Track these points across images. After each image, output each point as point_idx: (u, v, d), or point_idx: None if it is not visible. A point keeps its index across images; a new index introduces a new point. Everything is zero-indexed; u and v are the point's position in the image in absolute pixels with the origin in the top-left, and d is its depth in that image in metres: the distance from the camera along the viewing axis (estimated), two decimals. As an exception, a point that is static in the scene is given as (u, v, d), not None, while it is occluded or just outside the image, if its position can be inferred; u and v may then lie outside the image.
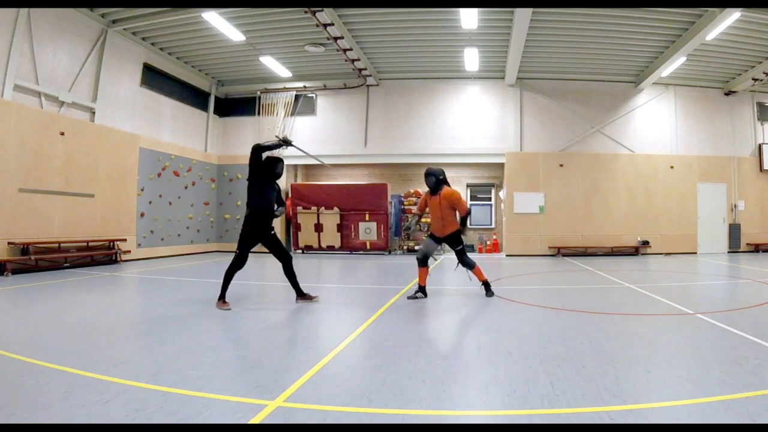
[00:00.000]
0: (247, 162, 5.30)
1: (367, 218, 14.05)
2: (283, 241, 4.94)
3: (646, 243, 13.40)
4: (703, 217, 13.70)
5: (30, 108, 8.83)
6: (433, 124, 14.25)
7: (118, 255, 10.52)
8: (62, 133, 9.31)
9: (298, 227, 14.37)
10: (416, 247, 14.49)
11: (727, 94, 14.01)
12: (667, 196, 13.64)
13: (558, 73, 13.56)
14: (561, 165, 13.68)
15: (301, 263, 5.70)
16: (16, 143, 8.45)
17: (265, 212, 5.36)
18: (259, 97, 14.83)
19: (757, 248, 13.60)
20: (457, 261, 6.06)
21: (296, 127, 14.60)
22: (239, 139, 14.99)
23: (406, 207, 14.75)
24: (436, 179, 5.88)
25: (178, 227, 12.90)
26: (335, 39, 10.91)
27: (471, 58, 12.44)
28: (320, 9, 9.52)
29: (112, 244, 10.46)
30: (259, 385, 2.79)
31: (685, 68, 12.73)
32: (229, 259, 5.52)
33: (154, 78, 12.28)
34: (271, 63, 12.96)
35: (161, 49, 12.23)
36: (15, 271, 8.16)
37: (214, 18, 10.09)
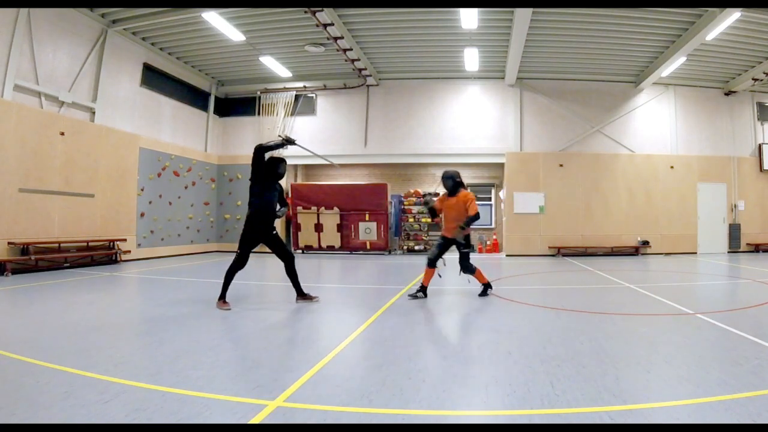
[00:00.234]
0: (248, 162, 5.30)
1: (367, 218, 14.05)
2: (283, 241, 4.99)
3: (646, 243, 13.40)
4: (703, 217, 13.70)
5: (30, 108, 8.83)
6: (433, 124, 14.25)
7: (118, 255, 10.52)
8: (62, 133, 9.31)
9: (298, 227, 14.37)
10: (416, 247, 14.51)
11: (727, 94, 14.01)
12: (667, 196, 13.63)
13: (558, 73, 13.56)
14: (561, 165, 13.68)
15: (301, 263, 5.70)
16: (16, 143, 8.45)
17: (267, 212, 5.34)
18: (259, 97, 14.83)
19: (757, 248, 13.60)
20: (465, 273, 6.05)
21: (296, 127, 14.60)
22: (239, 139, 15.00)
23: (406, 207, 14.75)
24: (453, 182, 5.96)
25: (178, 227, 12.90)
26: (335, 39, 10.91)
27: (471, 58, 12.43)
28: (320, 9, 9.52)
29: (112, 244, 10.46)
30: (259, 385, 2.79)
31: (685, 68, 12.73)
32: (229, 259, 5.52)
33: (154, 78, 12.28)
34: (271, 63, 12.96)
35: (161, 49, 12.24)
36: (15, 271, 8.16)
37: (214, 18, 10.09)
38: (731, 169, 13.84)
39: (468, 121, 14.12)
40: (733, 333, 4.03)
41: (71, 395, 2.58)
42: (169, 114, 13.04)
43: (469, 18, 9.94)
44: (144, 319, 4.88)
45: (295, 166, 15.59)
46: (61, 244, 9.25)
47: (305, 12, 9.76)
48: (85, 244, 9.78)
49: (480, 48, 11.90)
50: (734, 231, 13.72)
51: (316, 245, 14.33)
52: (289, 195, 14.38)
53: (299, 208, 14.23)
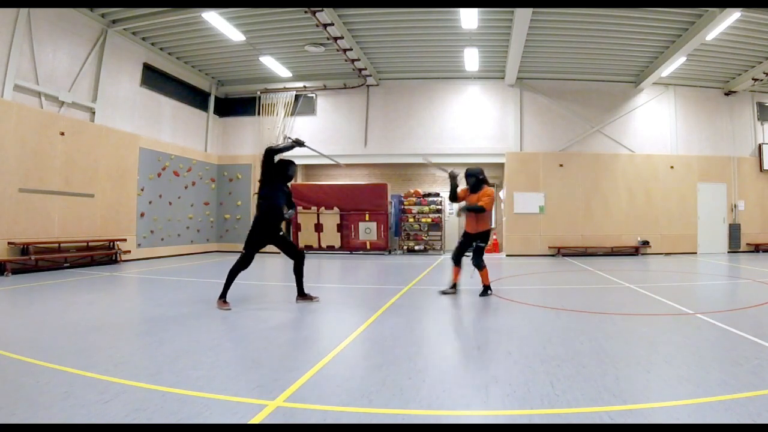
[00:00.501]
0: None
1: (367, 218, 14.05)
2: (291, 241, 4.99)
3: (646, 243, 13.40)
4: (703, 217, 13.70)
5: (30, 108, 8.83)
6: (433, 124, 14.25)
7: (118, 255, 10.52)
8: (62, 133, 9.31)
9: (298, 227, 14.37)
10: (416, 247, 14.51)
11: (727, 94, 14.01)
12: (667, 196, 13.64)
13: (558, 73, 13.56)
14: (561, 165, 13.68)
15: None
16: (16, 143, 8.45)
17: (275, 214, 5.38)
18: (259, 97, 14.82)
19: (757, 248, 13.60)
20: (473, 266, 6.17)
21: (296, 127, 14.59)
22: (239, 139, 14.99)
23: (406, 207, 14.75)
24: (476, 179, 6.10)
25: (178, 227, 12.90)
26: (335, 39, 10.91)
27: (471, 58, 12.43)
28: (320, 9, 9.52)
29: (112, 244, 10.46)
30: (259, 385, 2.79)
31: (685, 68, 12.73)
32: (228, 259, 5.52)
33: (154, 78, 12.28)
34: (271, 63, 12.96)
35: (161, 49, 12.24)
36: (15, 271, 8.16)
37: (214, 18, 10.09)
38: (731, 169, 13.84)
39: (468, 121, 14.12)
40: (733, 333, 4.02)
41: (71, 395, 2.58)
42: (169, 114, 13.04)
43: (469, 18, 9.94)
44: (144, 319, 4.88)
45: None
46: (61, 244, 9.25)
47: (305, 12, 9.76)
48: (85, 244, 9.78)
49: (480, 48, 11.90)
50: (734, 231, 13.72)
51: (316, 245, 14.33)
52: (290, 195, 14.37)
53: (299, 208, 14.23)
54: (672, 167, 13.66)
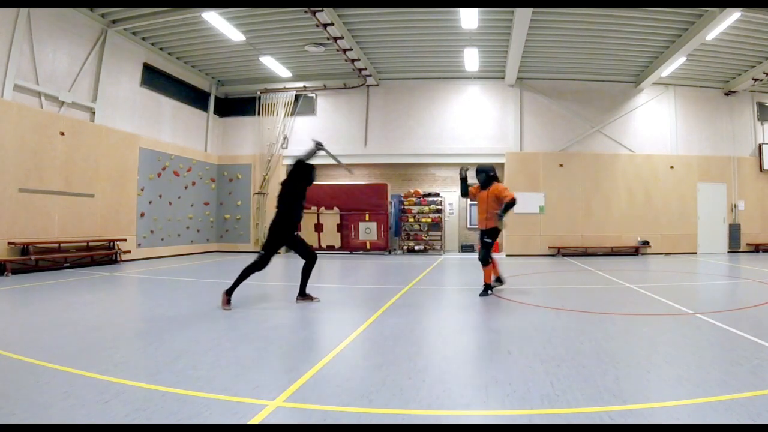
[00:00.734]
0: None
1: (367, 218, 14.05)
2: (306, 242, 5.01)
3: (646, 243, 13.39)
4: (703, 217, 13.70)
5: (30, 108, 8.83)
6: (433, 124, 14.24)
7: (118, 255, 10.52)
8: (62, 133, 9.31)
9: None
10: (416, 247, 14.51)
11: (727, 94, 14.00)
12: (667, 196, 13.63)
13: (558, 73, 13.56)
14: (561, 165, 13.68)
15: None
16: (16, 143, 8.45)
17: (292, 218, 5.46)
18: (259, 97, 14.82)
19: (757, 248, 13.60)
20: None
21: (296, 127, 14.60)
22: (239, 139, 14.99)
23: (406, 207, 14.76)
24: (486, 176, 6.18)
25: (178, 227, 12.89)
26: (335, 39, 10.91)
27: (471, 58, 12.43)
28: (320, 9, 9.52)
29: (112, 244, 10.46)
30: (259, 385, 2.79)
31: (685, 68, 12.73)
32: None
33: (154, 78, 12.28)
34: (271, 63, 12.96)
35: (161, 49, 12.23)
36: (15, 271, 8.16)
37: (214, 18, 10.09)
38: (731, 169, 13.83)
39: (468, 121, 14.12)
40: (733, 333, 4.02)
41: (71, 395, 2.58)
42: (169, 114, 13.04)
43: (469, 18, 9.94)
44: (144, 319, 4.88)
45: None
46: (61, 244, 9.25)
47: (305, 12, 9.76)
48: (85, 244, 9.78)
49: (480, 48, 11.90)
50: (734, 231, 13.72)
51: (316, 245, 14.31)
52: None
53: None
54: (672, 167, 13.66)
